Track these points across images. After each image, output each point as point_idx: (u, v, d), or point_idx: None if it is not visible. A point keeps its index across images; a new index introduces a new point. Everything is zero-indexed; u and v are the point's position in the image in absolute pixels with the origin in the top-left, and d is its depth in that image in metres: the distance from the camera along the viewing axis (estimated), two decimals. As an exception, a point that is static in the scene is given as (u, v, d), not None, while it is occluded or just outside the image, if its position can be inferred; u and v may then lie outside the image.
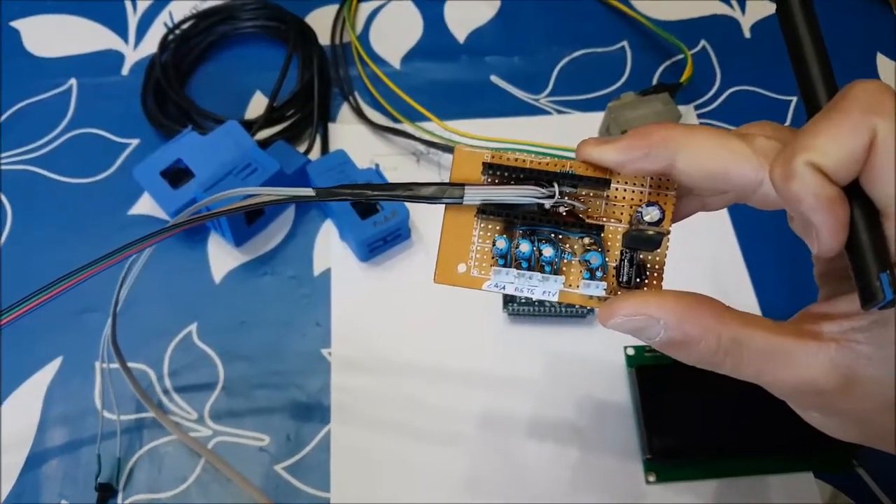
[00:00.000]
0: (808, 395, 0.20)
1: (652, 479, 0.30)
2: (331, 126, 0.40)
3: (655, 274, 0.21)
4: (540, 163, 0.21)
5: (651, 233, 0.20)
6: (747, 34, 0.44)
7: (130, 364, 0.33)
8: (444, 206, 0.21)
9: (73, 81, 0.42)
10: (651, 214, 0.20)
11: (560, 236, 0.21)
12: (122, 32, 0.44)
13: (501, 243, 0.20)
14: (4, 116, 0.40)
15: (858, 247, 0.18)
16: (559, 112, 0.41)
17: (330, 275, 0.35)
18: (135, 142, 0.39)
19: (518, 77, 0.42)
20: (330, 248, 0.36)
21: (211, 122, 0.38)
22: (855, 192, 0.18)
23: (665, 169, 0.20)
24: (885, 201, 0.17)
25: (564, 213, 0.21)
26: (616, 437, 0.31)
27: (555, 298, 0.21)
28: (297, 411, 0.32)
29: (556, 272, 0.21)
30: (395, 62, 0.43)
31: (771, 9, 0.45)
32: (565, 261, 0.21)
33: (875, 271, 0.18)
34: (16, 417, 0.32)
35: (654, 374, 0.31)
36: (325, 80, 0.40)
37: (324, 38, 0.42)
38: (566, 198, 0.20)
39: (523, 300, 0.33)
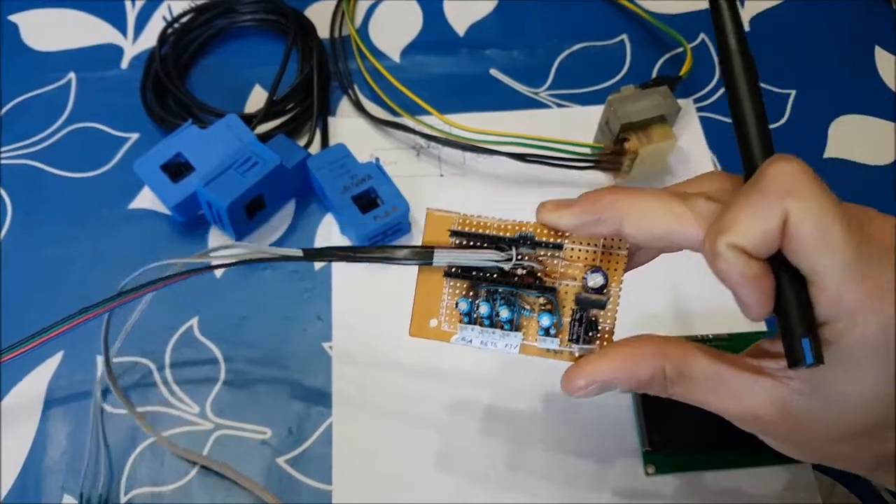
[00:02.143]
0: (752, 423, 0.21)
1: (651, 470, 0.30)
2: (330, 120, 0.40)
3: (607, 329, 0.23)
4: (501, 227, 0.23)
5: (594, 298, 0.22)
6: (747, 27, 0.44)
7: (131, 358, 0.33)
8: (416, 263, 0.23)
9: (72, 75, 0.42)
10: (594, 280, 0.22)
11: (519, 295, 0.23)
12: (120, 26, 0.44)
13: (464, 305, 0.23)
14: (4, 111, 0.40)
15: (786, 311, 0.19)
16: (559, 105, 0.41)
17: (331, 269, 0.35)
18: (134, 136, 0.39)
19: (518, 71, 0.42)
20: (331, 242, 0.36)
21: (210, 115, 0.38)
22: (782, 261, 0.19)
23: (614, 233, 0.22)
24: (807, 270, 0.19)
25: (524, 274, 0.23)
26: (615, 429, 0.31)
27: (516, 351, 0.23)
28: (298, 405, 0.32)
29: (517, 328, 0.23)
30: (395, 56, 0.43)
31: (770, 3, 0.45)
32: (525, 317, 0.23)
33: (799, 335, 0.19)
34: (18, 411, 0.32)
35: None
36: (324, 74, 0.40)
37: (323, 32, 0.42)
38: (525, 259, 0.23)
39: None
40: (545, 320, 0.22)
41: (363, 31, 0.43)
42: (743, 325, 0.33)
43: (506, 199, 0.37)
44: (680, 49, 0.42)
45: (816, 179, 0.19)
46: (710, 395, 0.21)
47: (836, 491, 0.30)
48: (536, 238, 0.23)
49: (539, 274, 0.23)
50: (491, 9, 0.45)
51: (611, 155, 0.36)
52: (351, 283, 0.35)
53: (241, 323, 0.34)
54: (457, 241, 0.23)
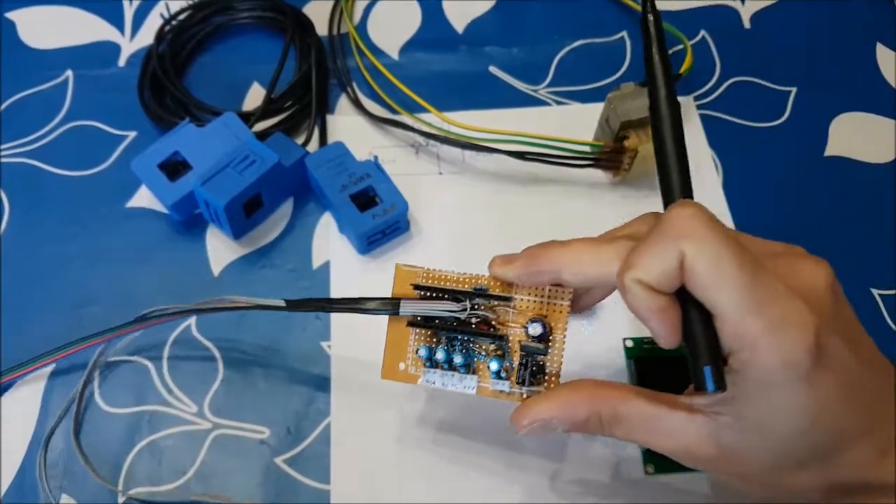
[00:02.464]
0: (690, 460, 0.23)
1: (650, 470, 0.30)
2: (329, 117, 0.39)
3: (553, 372, 0.25)
4: (459, 281, 0.26)
5: (533, 346, 0.25)
6: (747, 24, 0.44)
7: (129, 357, 0.33)
8: (386, 314, 0.27)
9: (69, 73, 0.41)
10: (534, 329, 0.25)
11: (475, 342, 0.26)
12: (118, 23, 0.43)
13: (423, 351, 0.26)
14: (1, 108, 0.40)
15: (692, 341, 0.21)
16: (559, 103, 0.41)
17: (329, 267, 0.35)
18: (132, 134, 0.39)
19: (517, 68, 0.42)
20: (329, 240, 0.36)
21: (208, 113, 0.38)
22: (688, 295, 0.21)
23: (554, 280, 0.24)
24: (709, 305, 0.20)
25: (478, 322, 0.26)
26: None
27: (473, 392, 0.26)
28: (297, 404, 0.32)
29: (473, 371, 0.26)
30: (394, 53, 0.42)
31: (770, 0, 0.45)
32: (480, 361, 0.26)
33: (702, 364, 0.21)
34: (16, 411, 0.32)
35: (652, 366, 0.31)
36: (323, 72, 0.40)
37: (321, 29, 0.42)
38: (481, 308, 0.26)
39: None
40: (494, 365, 0.25)
41: (362, 28, 0.43)
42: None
43: (506, 198, 0.37)
44: (680, 46, 0.42)
45: (711, 222, 0.20)
46: (648, 435, 0.23)
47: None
48: (489, 291, 0.26)
49: (493, 322, 0.26)
50: (490, 6, 0.44)
51: (611, 153, 0.36)
52: (349, 281, 0.35)
53: (240, 322, 0.34)
54: (420, 294, 0.27)
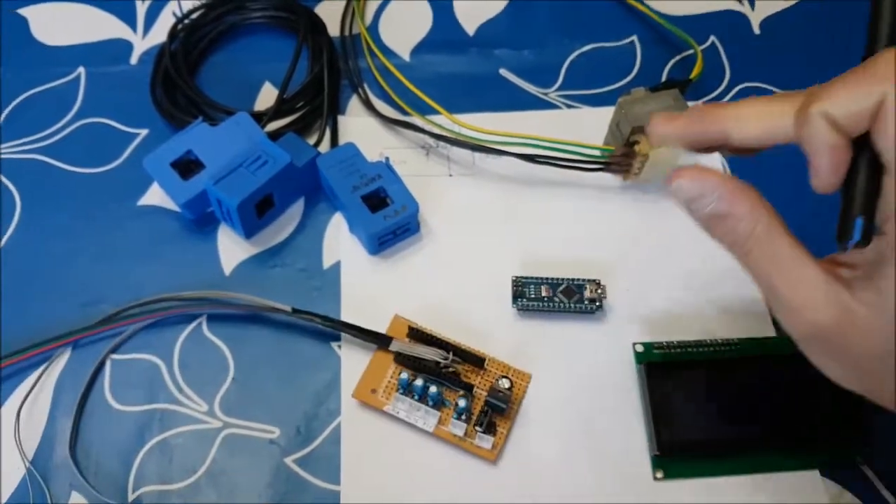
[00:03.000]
0: (802, 324, 0.22)
1: (659, 475, 0.30)
2: (340, 118, 0.40)
3: (503, 432, 0.30)
4: (445, 339, 0.32)
5: (493, 401, 0.30)
6: (756, 30, 0.44)
7: (141, 355, 0.33)
8: (376, 344, 0.32)
9: (81, 70, 0.41)
10: (502, 382, 0.30)
11: (445, 387, 0.31)
12: (130, 21, 0.43)
13: (404, 376, 0.30)
14: (13, 105, 0.40)
15: (851, 191, 0.21)
16: (568, 106, 0.41)
17: (339, 267, 0.35)
18: (143, 132, 0.39)
19: (527, 71, 0.42)
20: (339, 240, 0.36)
21: (220, 112, 0.38)
22: (864, 146, 0.20)
23: (720, 142, 0.23)
24: (887, 157, 0.20)
25: (452, 372, 0.31)
26: (624, 433, 0.31)
27: (431, 430, 0.30)
28: (307, 404, 0.32)
29: (438, 408, 0.30)
30: (405, 54, 0.43)
31: (780, 5, 0.45)
32: (445, 407, 0.31)
33: (855, 214, 0.21)
34: (26, 408, 0.32)
35: (662, 371, 0.31)
36: (334, 72, 0.40)
37: (333, 30, 0.42)
38: (457, 363, 0.31)
39: (532, 295, 0.33)
40: (462, 402, 0.30)
41: (373, 29, 0.43)
42: (752, 331, 0.33)
43: (516, 201, 0.37)
44: (690, 51, 0.42)
45: None
46: (777, 273, 0.22)
47: (844, 498, 0.30)
48: (467, 351, 0.31)
49: (461, 377, 0.31)
50: (501, 8, 0.44)
51: (621, 157, 0.36)
52: (359, 281, 0.35)
53: (250, 321, 0.34)
54: (410, 338, 0.32)
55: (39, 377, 0.32)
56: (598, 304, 0.33)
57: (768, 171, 0.39)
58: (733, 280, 0.35)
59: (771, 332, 0.33)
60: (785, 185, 0.38)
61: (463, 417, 0.30)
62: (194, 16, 0.41)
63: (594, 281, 0.33)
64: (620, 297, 0.34)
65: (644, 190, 0.37)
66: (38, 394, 0.32)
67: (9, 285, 0.35)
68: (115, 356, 0.33)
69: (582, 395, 0.32)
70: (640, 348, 0.32)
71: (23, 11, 0.44)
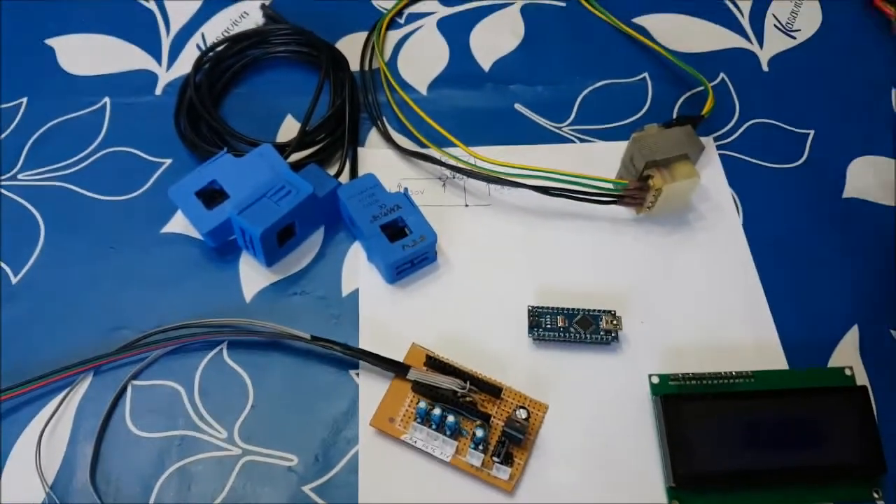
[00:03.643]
0: None
1: (676, 506, 0.30)
2: (360, 150, 0.41)
3: (520, 463, 0.30)
4: (462, 368, 0.32)
5: (510, 431, 0.30)
6: (765, 67, 0.45)
7: (162, 382, 0.33)
8: (394, 373, 0.32)
9: (106, 100, 0.43)
10: (519, 412, 0.30)
11: (462, 416, 0.31)
12: (155, 53, 0.45)
13: (422, 406, 0.31)
14: (38, 133, 0.41)
15: None
16: (581, 140, 0.42)
17: (358, 296, 0.36)
18: (167, 161, 0.40)
19: (541, 105, 0.43)
20: (358, 269, 0.37)
21: (243, 143, 0.39)
22: None
23: None
24: None
25: (470, 401, 0.31)
26: (639, 465, 0.31)
27: (448, 460, 0.30)
28: (325, 432, 0.32)
29: (455, 438, 0.31)
30: (423, 89, 0.44)
31: (788, 43, 0.46)
32: (462, 437, 0.31)
33: None
34: (47, 433, 0.32)
35: (678, 403, 0.31)
36: (355, 106, 0.41)
37: (353, 64, 0.43)
38: (474, 392, 0.31)
39: (548, 325, 0.34)
40: (479, 432, 0.30)
41: (392, 64, 0.45)
42: (767, 363, 0.33)
43: (531, 232, 0.38)
44: (700, 88, 0.43)
45: None
46: None
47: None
48: (484, 381, 0.32)
49: (479, 407, 0.31)
50: (515, 45, 0.46)
51: (634, 191, 0.37)
52: (377, 310, 0.35)
53: (270, 348, 0.34)
54: (427, 367, 0.32)
55: (61, 402, 0.33)
56: (613, 335, 0.33)
57: (778, 204, 0.40)
58: (747, 313, 0.35)
59: (784, 366, 0.33)
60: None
61: (480, 447, 0.30)
62: (218, 49, 0.42)
63: (610, 312, 0.34)
64: (636, 329, 0.34)
65: (657, 223, 0.38)
66: (59, 419, 0.32)
67: (33, 310, 0.35)
68: (136, 382, 0.33)
69: (598, 427, 0.32)
70: (655, 380, 0.32)
71: (50, 42, 0.45)
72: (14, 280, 0.36)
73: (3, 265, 0.37)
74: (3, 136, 0.41)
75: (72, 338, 0.34)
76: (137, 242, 0.37)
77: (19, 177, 0.40)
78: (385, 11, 0.46)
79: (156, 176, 0.40)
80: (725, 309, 0.35)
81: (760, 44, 0.46)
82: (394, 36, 0.46)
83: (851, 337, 0.35)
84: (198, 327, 0.34)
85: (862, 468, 0.30)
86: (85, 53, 0.45)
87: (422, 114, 0.40)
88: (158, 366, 0.34)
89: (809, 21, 0.48)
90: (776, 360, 0.34)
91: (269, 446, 0.32)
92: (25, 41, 0.45)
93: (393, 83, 0.42)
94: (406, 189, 0.37)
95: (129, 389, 0.33)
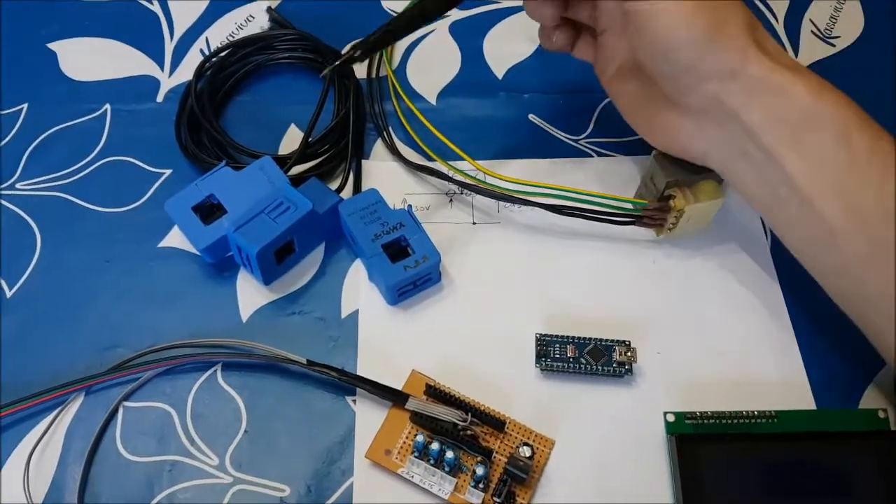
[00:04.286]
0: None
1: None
2: (364, 162, 0.39)
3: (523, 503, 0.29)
4: (464, 398, 0.31)
5: (513, 470, 0.28)
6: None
7: (154, 403, 0.32)
8: (392, 401, 0.31)
9: (107, 107, 0.41)
10: (523, 450, 0.29)
11: (462, 451, 0.29)
12: (157, 58, 0.44)
13: (420, 439, 0.29)
14: (39, 140, 0.40)
15: None
16: (599, 154, 0.40)
17: (357, 317, 0.34)
18: (167, 172, 0.39)
19: (557, 116, 0.41)
20: (359, 289, 0.35)
21: (244, 155, 0.37)
22: None
23: None
24: None
25: (471, 435, 0.30)
26: (647, 500, 0.29)
27: (446, 497, 0.29)
28: (318, 462, 0.31)
29: (454, 474, 0.29)
30: (432, 98, 0.42)
31: (828, 51, 0.43)
32: (462, 473, 0.29)
33: None
34: (36, 454, 0.31)
35: (694, 444, 0.29)
36: (360, 116, 0.39)
37: (360, 71, 0.42)
38: (476, 425, 0.30)
39: (557, 355, 0.32)
40: (480, 469, 0.28)
41: (401, 71, 0.43)
42: (793, 402, 0.31)
43: (542, 252, 0.36)
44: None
45: None
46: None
47: None
48: (487, 413, 0.30)
49: (480, 440, 0.30)
50: (531, 51, 0.44)
51: (654, 211, 0.34)
52: (377, 333, 0.34)
53: (265, 370, 0.33)
54: (427, 397, 0.31)
55: (52, 423, 0.32)
56: (627, 367, 0.31)
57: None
58: (773, 347, 0.33)
59: (811, 405, 0.31)
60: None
61: (481, 486, 0.29)
62: (222, 55, 0.41)
63: (624, 342, 0.32)
64: (651, 361, 0.32)
65: (678, 245, 0.36)
66: (49, 439, 0.32)
67: (27, 325, 0.34)
68: (127, 403, 0.32)
69: (607, 465, 0.30)
70: (671, 418, 0.30)
71: (52, 46, 0.44)
72: (9, 294, 0.35)
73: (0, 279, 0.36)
74: (3, 143, 0.40)
75: (65, 355, 0.33)
76: (134, 256, 0.36)
77: (17, 186, 0.39)
78: (395, 14, 0.45)
79: (155, 187, 0.38)
80: (749, 341, 0.33)
81: (796, 52, 0.43)
82: (403, 41, 0.44)
83: (886, 375, 0.32)
84: (192, 347, 0.33)
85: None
86: (87, 58, 0.44)
87: (429, 125, 0.38)
88: (151, 386, 0.33)
89: (850, 27, 0.45)
90: (803, 398, 0.32)
91: (260, 475, 0.31)
92: (27, 45, 0.44)
93: (400, 92, 0.40)
94: (410, 206, 0.35)
95: (121, 411, 0.32)
